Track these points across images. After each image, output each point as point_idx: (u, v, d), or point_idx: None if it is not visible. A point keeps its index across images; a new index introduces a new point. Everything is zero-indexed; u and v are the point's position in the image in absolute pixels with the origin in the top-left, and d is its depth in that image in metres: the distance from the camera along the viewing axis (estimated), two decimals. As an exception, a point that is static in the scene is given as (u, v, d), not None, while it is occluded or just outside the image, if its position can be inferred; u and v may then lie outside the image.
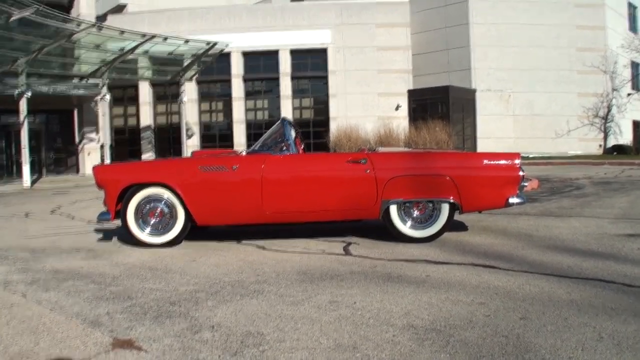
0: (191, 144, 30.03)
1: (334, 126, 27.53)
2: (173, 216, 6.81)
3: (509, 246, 6.30)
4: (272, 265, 5.68)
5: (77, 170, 27.58)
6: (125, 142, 32.11)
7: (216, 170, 6.66)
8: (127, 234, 6.87)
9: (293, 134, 7.06)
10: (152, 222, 6.81)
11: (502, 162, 6.72)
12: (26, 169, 19.60)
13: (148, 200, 6.80)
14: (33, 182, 20.44)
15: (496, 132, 31.07)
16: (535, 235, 6.89)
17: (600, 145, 32.05)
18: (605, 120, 32.27)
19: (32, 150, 20.32)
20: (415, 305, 4.02)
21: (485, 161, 6.74)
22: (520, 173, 6.66)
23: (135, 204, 6.76)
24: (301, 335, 3.44)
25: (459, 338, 3.31)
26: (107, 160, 24.01)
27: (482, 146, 31.46)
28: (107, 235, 7.89)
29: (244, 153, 7.07)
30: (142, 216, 6.81)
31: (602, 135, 32.44)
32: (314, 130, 31.51)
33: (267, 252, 6.44)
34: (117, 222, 7.03)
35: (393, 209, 6.73)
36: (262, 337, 3.43)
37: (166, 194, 6.75)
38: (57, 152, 28.32)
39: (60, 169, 27.73)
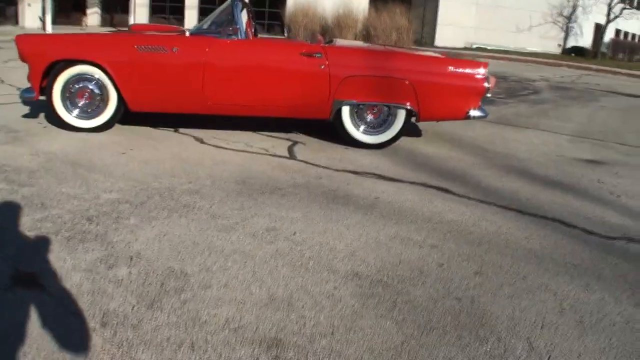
0: (140, 2, 28.23)
1: (291, 2, 26.16)
2: (104, 99, 6.17)
3: (463, 162, 5.95)
4: (208, 167, 5.21)
5: (17, 22, 25.77)
6: (69, -6, 30.02)
7: (154, 51, 5.97)
8: (53, 115, 6.19)
9: (245, 16, 6.29)
10: (80, 104, 6.14)
11: (467, 70, 6.20)
12: (-44, 17, 18.01)
13: (77, 79, 6.11)
14: (-36, 32, 18.90)
15: (457, 19, 30.21)
16: (491, 151, 6.52)
17: (560, 45, 31.61)
18: (569, 20, 31.66)
19: (-36, -5, 18.60)
20: (361, 242, 3.60)
21: (450, 68, 6.20)
22: (486, 84, 6.15)
23: (62, 83, 6.07)
24: (230, 279, 2.99)
25: (408, 298, 2.92)
26: (48, 15, 22.37)
27: (441, 33, 30.67)
28: (34, 110, 7.15)
29: (186, 33, 6.30)
30: (69, 97, 6.11)
31: (562, 34, 31.90)
32: (270, 10, 30.09)
33: (205, 147, 5.96)
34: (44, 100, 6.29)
35: (345, 111, 6.23)
36: (185, 278, 2.97)
37: (97, 73, 6.08)
38: (-7, 0, 26.30)
39: (-3, 20, 25.85)
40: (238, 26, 6.06)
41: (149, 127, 6.62)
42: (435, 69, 6.25)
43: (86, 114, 6.20)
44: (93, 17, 29.84)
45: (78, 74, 6.08)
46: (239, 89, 6.09)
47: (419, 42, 24.79)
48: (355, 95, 6.11)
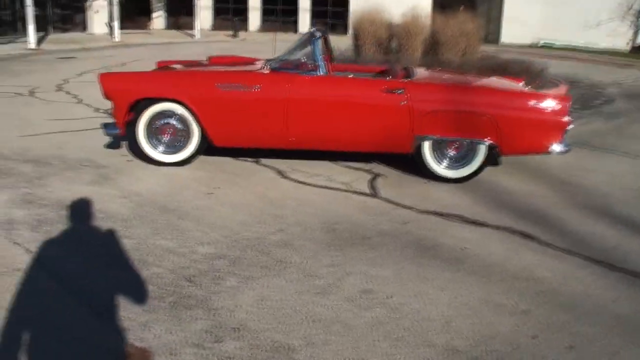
0: (204, 5, 28.58)
1: (354, 6, 26.05)
2: (187, 134, 6.32)
3: (544, 200, 5.89)
4: (294, 209, 5.31)
5: (85, 28, 26.48)
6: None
7: (236, 89, 6.05)
8: (138, 151, 6.43)
9: (323, 51, 6.33)
10: (165, 140, 6.31)
11: (550, 104, 6.09)
12: (31, 29, 18.70)
13: (160, 115, 6.22)
14: (39, 41, 19.62)
15: (523, 16, 29.56)
16: (572, 184, 6.44)
17: (629, 43, 30.61)
18: (639, 17, 30.63)
19: (38, 5, 19.24)
20: (454, 309, 3.64)
21: (532, 102, 6.12)
22: (567, 119, 6.04)
23: (146, 120, 6.26)
24: (334, 355, 3.03)
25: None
26: (116, 21, 22.91)
27: (507, 30, 30.09)
28: (116, 139, 7.40)
29: (267, 68, 6.37)
30: (153, 132, 6.24)
31: (632, 31, 30.90)
32: (333, 9, 30.12)
33: (287, 184, 6.06)
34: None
35: (426, 146, 6.24)
36: (292, 355, 3.03)
37: (180, 109, 6.24)
38: (63, 8, 27.06)
39: (66, 27, 26.65)
40: (318, 63, 6.09)
41: (229, 158, 6.76)
42: (516, 104, 6.17)
43: (170, 149, 6.32)
44: (158, 21, 30.43)
45: (161, 111, 6.20)
46: (321, 124, 6.16)
47: (485, 40, 24.36)
48: (436, 130, 6.11)
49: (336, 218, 5.09)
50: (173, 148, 6.37)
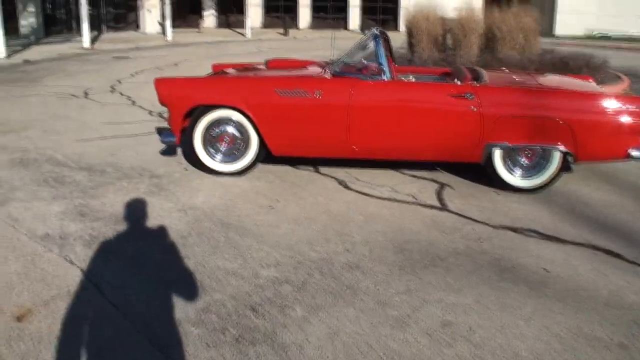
0: (254, 2, 28.42)
1: (405, 2, 25.56)
2: (245, 142, 6.07)
3: (624, 210, 5.47)
4: (360, 225, 4.99)
5: (137, 27, 26.62)
6: (186, -2, 30.72)
7: (296, 95, 5.76)
8: (195, 161, 6.20)
9: (387, 53, 5.98)
10: (222, 149, 6.08)
11: (627, 106, 5.64)
12: (85, 28, 18.80)
13: (218, 123, 5.98)
14: (93, 40, 19.72)
15: (577, 6, 28.57)
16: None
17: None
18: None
19: (91, 4, 19.33)
20: (544, 343, 3.30)
21: (608, 104, 5.67)
22: (647, 121, 5.57)
23: (203, 128, 6.01)
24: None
25: None
26: (168, 20, 22.90)
27: (561, 21, 29.13)
28: (170, 146, 7.14)
29: (328, 73, 6.05)
30: (210, 141, 5.99)
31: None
32: (383, 5, 29.61)
33: (351, 195, 5.74)
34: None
35: (497, 154, 5.86)
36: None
37: (238, 117, 6.02)
38: (116, 7, 27.25)
39: (119, 26, 26.84)
40: (383, 66, 5.75)
41: (288, 167, 6.50)
42: (592, 106, 5.74)
43: (228, 157, 6.10)
44: (209, 19, 30.45)
45: (219, 119, 5.96)
46: (385, 132, 5.84)
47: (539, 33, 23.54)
48: (508, 138, 5.72)
49: (406, 235, 4.77)
50: (231, 157, 6.13)
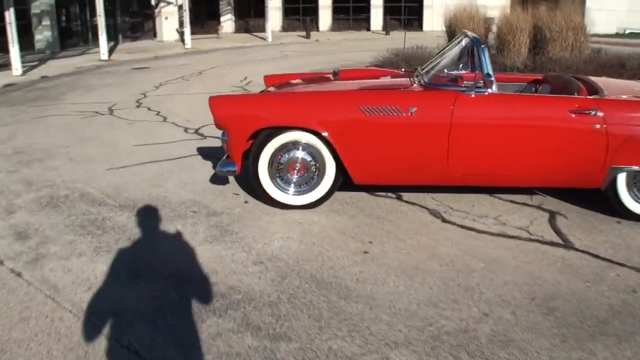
0: (273, 5, 27.32)
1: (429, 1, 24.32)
2: (319, 169, 4.94)
3: None
4: (483, 275, 4.00)
5: (154, 35, 25.63)
6: (203, 3, 29.67)
7: (385, 114, 4.67)
8: (260, 193, 5.18)
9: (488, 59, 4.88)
10: (294, 179, 5.03)
11: None
12: (103, 39, 17.79)
13: (286, 148, 4.85)
14: (110, 51, 18.70)
15: (608, 3, 27.37)
16: None
17: None
18: None
19: (107, 14, 18.33)
20: None
21: None
22: None
23: (269, 154, 4.90)
24: None
25: None
26: (187, 27, 21.88)
27: (591, 18, 27.80)
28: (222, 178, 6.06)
29: (417, 85, 4.95)
30: (278, 169, 4.87)
31: None
32: (406, 5, 28.43)
33: (453, 231, 4.78)
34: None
35: (622, 179, 4.86)
36: None
37: (311, 139, 4.97)
38: (132, 16, 26.28)
39: (136, 35, 25.87)
40: (491, 78, 4.64)
41: (364, 194, 5.52)
42: None
43: (299, 188, 5.04)
44: (227, 25, 29.50)
45: (288, 143, 4.85)
46: (493, 155, 4.84)
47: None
48: (636, 160, 4.57)
49: (544, 288, 3.79)
50: (303, 188, 5.05)
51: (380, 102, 4.75)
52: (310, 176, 5.04)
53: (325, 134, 4.78)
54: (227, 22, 30.55)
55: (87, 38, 22.80)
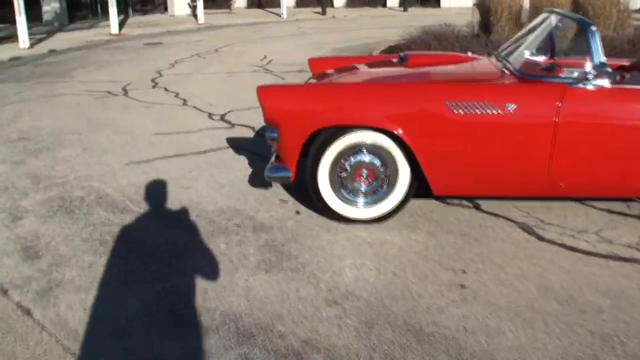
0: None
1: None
2: (389, 176, 3.96)
3: None
4: (616, 316, 3.12)
5: (166, 9, 24.55)
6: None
7: (478, 111, 3.69)
8: (321, 207, 4.25)
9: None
10: (362, 189, 4.12)
11: None
12: (113, 12, 16.76)
13: (351, 151, 3.88)
14: (120, 25, 17.69)
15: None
16: None
17: None
18: None
19: (117, -14, 17.31)
20: None
21: None
22: None
23: (332, 159, 3.95)
24: None
25: None
26: (200, 1, 20.77)
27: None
28: (254, 161, 5.41)
29: (505, 72, 4.00)
30: (340, 177, 3.93)
31: None
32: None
33: (555, 252, 3.92)
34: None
35: None
36: None
37: (379, 139, 4.06)
38: (143, -12, 25.20)
39: (147, 9, 24.79)
40: (605, 68, 3.68)
41: (433, 201, 4.66)
42: None
43: (367, 198, 4.08)
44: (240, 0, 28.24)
45: (354, 145, 3.89)
46: (607, 162, 3.90)
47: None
48: None
49: None
50: (369, 198, 4.04)
51: (472, 97, 3.83)
52: (379, 184, 4.08)
53: (403, 135, 3.82)
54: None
55: (97, 11, 21.73)
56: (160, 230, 4.07)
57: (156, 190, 4.80)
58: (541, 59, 4.37)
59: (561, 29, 4.54)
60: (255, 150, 5.86)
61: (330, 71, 4.94)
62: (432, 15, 19.93)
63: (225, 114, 7.47)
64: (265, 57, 12.65)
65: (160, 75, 10.50)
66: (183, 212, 4.35)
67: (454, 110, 3.83)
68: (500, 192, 4.21)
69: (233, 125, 6.98)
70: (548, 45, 4.62)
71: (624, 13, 14.09)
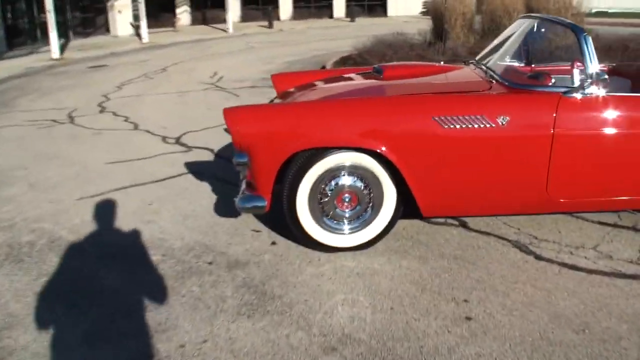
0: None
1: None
2: (374, 199, 3.63)
3: None
4: (634, 341, 2.67)
5: (107, 30, 23.83)
6: (157, -6, 27.87)
7: (469, 126, 3.39)
8: (303, 239, 3.89)
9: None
10: (347, 214, 3.79)
11: None
12: (53, 36, 16.07)
13: (331, 174, 3.51)
14: (62, 49, 16.97)
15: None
16: None
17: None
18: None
19: (57, 10, 16.61)
20: None
21: None
22: None
23: (310, 184, 3.56)
24: None
25: None
26: (143, 20, 20.22)
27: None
28: (224, 198, 4.82)
29: (492, 82, 3.72)
30: (321, 204, 3.56)
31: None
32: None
33: (561, 274, 3.63)
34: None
35: None
36: None
37: (361, 160, 3.73)
38: (83, 11, 24.39)
39: (88, 31, 24.00)
40: (600, 76, 3.43)
41: (416, 221, 4.35)
42: None
43: (352, 224, 3.82)
44: (183, 17, 27.81)
45: (334, 168, 3.53)
46: (608, 173, 3.69)
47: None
48: None
49: None
50: (354, 224, 3.69)
51: (462, 111, 3.52)
52: (363, 208, 3.71)
53: (389, 154, 3.47)
54: (183, 13, 28.84)
55: (36, 36, 20.89)
56: (123, 275, 3.62)
57: (114, 228, 4.35)
58: (524, 67, 4.07)
59: (541, 34, 4.26)
60: (217, 174, 5.45)
61: (297, 88, 4.55)
62: (380, 24, 19.78)
63: (180, 137, 7.03)
64: (215, 74, 12.24)
65: (108, 99, 9.98)
66: (147, 252, 3.91)
67: (444, 126, 3.51)
68: (494, 210, 3.91)
69: (190, 148, 6.55)
70: (526, 52, 4.34)
71: (577, 17, 14.09)
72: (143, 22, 20.51)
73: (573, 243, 4.01)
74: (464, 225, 4.29)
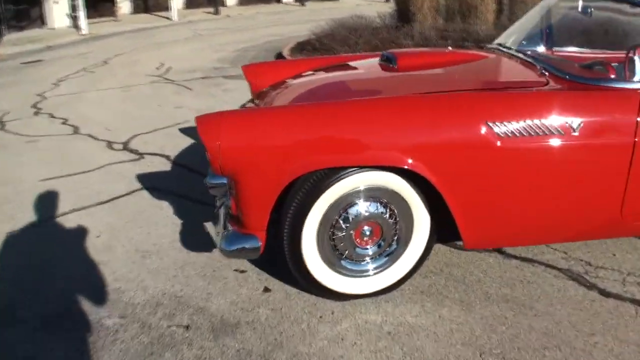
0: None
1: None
2: (401, 230, 2.61)
3: None
4: None
5: (43, 23, 22.24)
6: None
7: (532, 134, 2.48)
8: (305, 284, 2.96)
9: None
10: (369, 253, 2.78)
11: None
12: (-18, 30, 14.52)
13: (346, 202, 2.50)
14: (-8, 45, 15.46)
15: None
16: None
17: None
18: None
19: (-16, 1, 15.15)
20: None
21: None
22: None
23: (321, 215, 2.52)
24: None
25: None
26: (82, 11, 18.81)
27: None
28: (192, 223, 3.90)
29: (544, 75, 2.79)
30: (334, 242, 2.56)
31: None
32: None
33: (637, 314, 2.60)
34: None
35: None
36: None
37: (387, 182, 2.77)
38: (16, 3, 22.69)
39: (22, 24, 22.32)
40: None
41: (440, 246, 3.48)
42: None
43: (376, 262, 2.79)
44: (124, 5, 26.24)
45: (350, 193, 2.53)
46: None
47: None
48: None
49: None
50: (376, 262, 2.74)
51: (524, 114, 2.66)
52: (387, 243, 2.70)
53: (426, 173, 2.48)
54: (124, 2, 27.23)
55: (-38, 31, 19.22)
56: (69, 354, 2.53)
57: (54, 273, 3.28)
58: (578, 55, 3.14)
59: (589, 15, 3.33)
60: (177, 190, 4.44)
61: (284, 83, 3.50)
62: (333, 8, 18.84)
63: (128, 141, 6.01)
64: (162, 65, 11.18)
65: (44, 98, 8.83)
66: (99, 313, 2.84)
67: (502, 134, 2.50)
68: (554, 238, 3.06)
69: (141, 155, 5.52)
70: (572, 37, 3.41)
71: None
72: (82, 13, 19.15)
73: (635, 270, 3.23)
74: (499, 250, 3.35)
